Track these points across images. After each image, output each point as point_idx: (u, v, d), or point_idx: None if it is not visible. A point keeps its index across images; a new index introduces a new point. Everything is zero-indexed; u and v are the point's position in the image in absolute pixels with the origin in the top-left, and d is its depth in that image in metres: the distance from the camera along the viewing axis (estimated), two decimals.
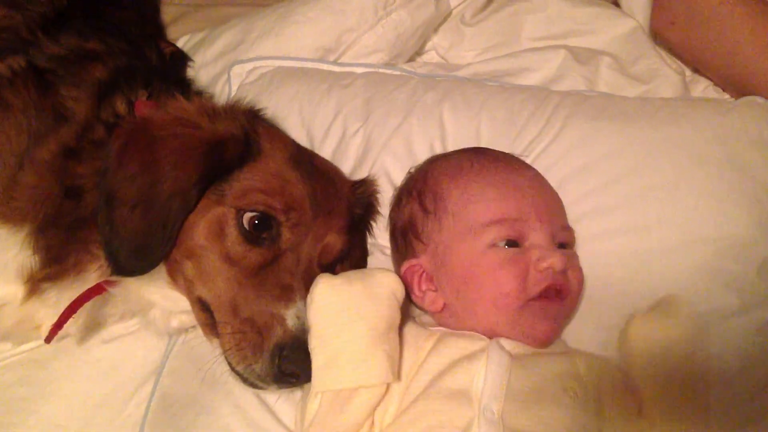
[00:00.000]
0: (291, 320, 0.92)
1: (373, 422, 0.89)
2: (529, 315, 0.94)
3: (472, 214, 0.98)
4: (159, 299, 1.03)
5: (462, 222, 0.99)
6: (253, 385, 0.95)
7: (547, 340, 0.97)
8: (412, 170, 1.16)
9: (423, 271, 1.01)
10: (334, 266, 1.07)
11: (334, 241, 1.05)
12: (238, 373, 0.94)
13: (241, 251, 0.95)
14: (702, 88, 1.45)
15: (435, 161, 1.12)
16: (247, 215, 0.96)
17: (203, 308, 0.97)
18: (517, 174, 1.06)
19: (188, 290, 0.98)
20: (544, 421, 0.84)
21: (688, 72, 1.48)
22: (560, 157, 1.17)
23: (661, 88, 1.40)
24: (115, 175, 0.94)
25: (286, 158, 1.04)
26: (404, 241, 1.05)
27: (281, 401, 0.99)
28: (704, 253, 1.06)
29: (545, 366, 0.91)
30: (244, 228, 0.95)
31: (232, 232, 0.95)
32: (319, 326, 0.87)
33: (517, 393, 0.86)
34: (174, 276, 0.99)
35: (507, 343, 0.93)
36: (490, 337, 0.94)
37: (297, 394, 0.99)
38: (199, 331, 1.04)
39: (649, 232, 1.08)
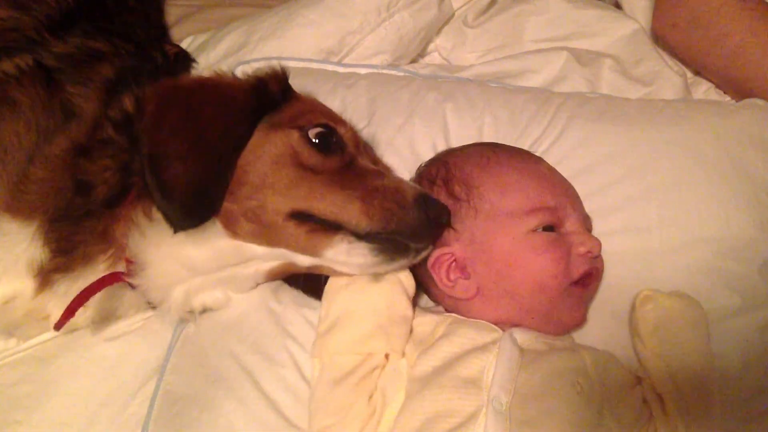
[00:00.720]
0: (411, 182, 0.95)
1: (384, 400, 0.92)
2: (569, 299, 0.98)
3: (512, 201, 1.00)
4: (209, 258, 0.99)
5: (501, 209, 1.00)
6: (400, 251, 0.92)
7: (578, 325, 1.02)
8: (423, 164, 1.16)
9: (453, 260, 1.01)
10: None
11: (383, 166, 1.10)
12: (384, 239, 0.90)
13: (319, 161, 0.96)
14: (703, 90, 1.46)
15: (452, 153, 1.13)
16: (312, 131, 0.97)
17: (301, 221, 0.93)
18: (541, 165, 1.08)
19: (269, 220, 0.94)
20: (550, 414, 0.85)
21: (689, 74, 1.48)
22: (562, 159, 1.18)
23: (663, 90, 1.41)
24: (156, 135, 0.92)
25: (318, 101, 1.10)
26: None
27: (285, 396, 0.99)
28: (705, 254, 1.07)
29: (554, 361, 0.92)
30: (313, 142, 0.97)
31: (304, 148, 0.96)
32: (325, 301, 0.99)
33: (525, 386, 0.87)
34: (235, 223, 0.96)
35: (519, 336, 0.95)
36: (504, 329, 0.96)
37: (301, 388, 1.00)
38: (208, 317, 1.07)
39: (651, 232, 1.09)
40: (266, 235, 0.96)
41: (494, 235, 0.99)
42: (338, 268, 0.96)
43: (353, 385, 0.92)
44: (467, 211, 1.01)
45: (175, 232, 0.92)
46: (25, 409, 1.07)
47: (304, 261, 0.97)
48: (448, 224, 0.97)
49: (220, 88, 1.00)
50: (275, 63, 1.08)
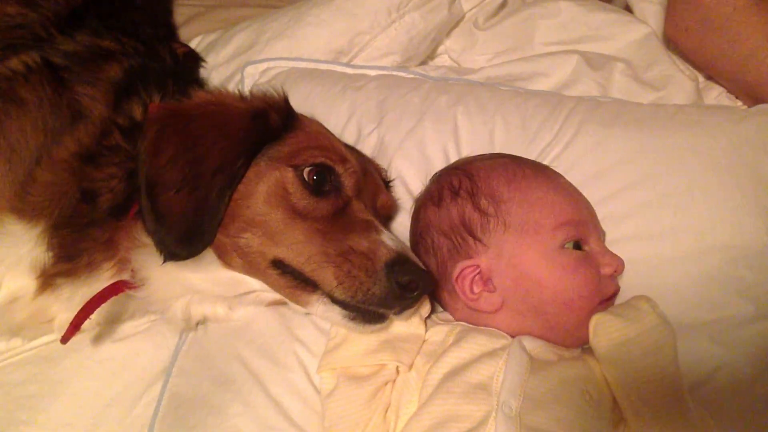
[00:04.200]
0: (389, 241, 0.93)
1: (397, 414, 0.93)
2: None
3: (540, 216, 1.00)
4: (207, 285, 1.01)
5: (530, 224, 0.99)
6: (372, 319, 0.94)
7: None
8: (442, 172, 1.15)
9: (478, 272, 1.00)
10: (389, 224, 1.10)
11: (386, 198, 1.10)
12: (355, 308, 0.92)
13: (310, 204, 0.95)
14: (715, 95, 1.45)
15: (474, 164, 1.11)
16: (307, 170, 0.96)
17: (282, 272, 0.94)
18: (561, 180, 1.08)
19: (255, 261, 0.95)
20: (560, 421, 0.85)
21: (701, 79, 1.47)
22: (574, 164, 1.17)
23: (675, 95, 1.40)
24: (154, 161, 0.92)
25: (323, 128, 1.08)
26: (453, 242, 1.04)
27: (292, 401, 0.99)
28: (718, 261, 1.06)
29: (564, 370, 0.91)
30: (307, 182, 0.95)
31: (296, 189, 0.95)
32: None
33: (535, 392, 0.87)
34: (227, 256, 0.96)
35: (528, 343, 0.95)
36: (513, 336, 0.96)
37: (309, 393, 0.99)
38: (211, 328, 1.06)
39: (663, 239, 1.08)
40: (255, 274, 0.97)
41: (524, 251, 0.98)
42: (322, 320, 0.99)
43: (368, 396, 0.91)
44: (495, 225, 1.00)
45: (165, 261, 0.91)
46: (30, 409, 1.07)
47: (295, 308, 1.00)
48: (425, 291, 0.95)
49: (220, 116, 0.98)
50: (277, 87, 1.06)
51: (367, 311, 0.92)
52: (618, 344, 0.90)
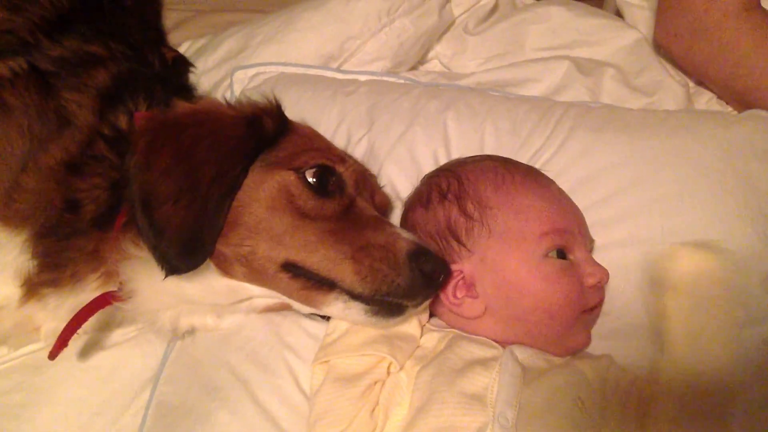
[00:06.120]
0: (404, 233, 0.93)
1: (386, 414, 0.92)
2: (579, 327, 0.99)
3: (525, 224, 0.99)
4: (202, 295, 0.99)
5: (514, 231, 0.99)
6: (394, 312, 0.93)
7: (583, 348, 1.01)
8: (432, 173, 1.14)
9: (461, 277, 1.00)
10: None
11: (383, 196, 1.10)
12: (378, 301, 0.91)
13: (317, 205, 0.94)
14: (705, 100, 1.45)
15: (464, 166, 1.10)
16: (309, 171, 0.95)
17: (294, 275, 0.92)
18: (552, 186, 1.08)
19: (262, 268, 0.93)
20: (555, 430, 0.84)
21: (691, 84, 1.48)
22: (564, 169, 1.17)
23: (665, 101, 1.40)
24: (147, 174, 0.89)
25: (316, 131, 1.08)
26: (438, 246, 1.03)
27: (281, 408, 0.98)
28: None
29: (555, 379, 0.91)
30: (310, 184, 0.95)
31: (301, 191, 0.94)
32: (334, 320, 0.99)
33: (529, 403, 0.87)
34: (228, 265, 0.95)
35: (519, 353, 0.94)
36: (503, 346, 0.96)
37: (297, 399, 0.98)
38: (200, 335, 1.06)
39: (653, 244, 1.07)
40: (260, 281, 0.96)
41: (507, 258, 0.98)
42: (338, 319, 0.98)
43: (357, 394, 0.91)
44: (480, 231, 1.00)
45: (166, 276, 0.89)
46: (16, 419, 1.05)
47: (303, 309, 0.99)
48: (446, 280, 0.95)
49: (213, 124, 0.96)
50: (268, 93, 1.05)
51: (389, 304, 0.92)
52: (698, 273, 0.89)
